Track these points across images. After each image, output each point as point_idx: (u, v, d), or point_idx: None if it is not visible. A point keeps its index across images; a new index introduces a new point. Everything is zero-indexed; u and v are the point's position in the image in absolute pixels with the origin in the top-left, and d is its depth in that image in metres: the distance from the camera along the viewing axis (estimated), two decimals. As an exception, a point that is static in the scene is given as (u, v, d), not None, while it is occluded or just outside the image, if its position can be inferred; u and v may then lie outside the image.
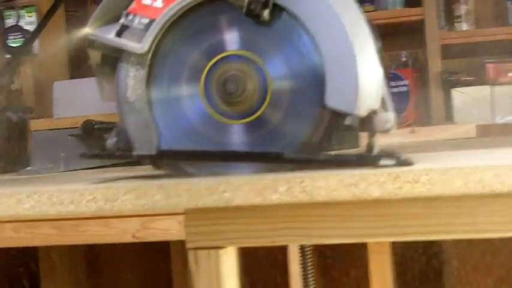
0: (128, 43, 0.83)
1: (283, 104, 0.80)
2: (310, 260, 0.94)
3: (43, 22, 2.03)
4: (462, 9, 2.24)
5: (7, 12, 2.23)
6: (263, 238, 0.79)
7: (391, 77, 2.28)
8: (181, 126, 0.84)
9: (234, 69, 0.81)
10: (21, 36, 2.18)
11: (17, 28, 2.20)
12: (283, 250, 1.53)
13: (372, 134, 0.75)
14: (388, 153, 0.69)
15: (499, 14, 2.29)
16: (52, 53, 2.29)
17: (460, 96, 2.14)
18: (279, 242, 0.79)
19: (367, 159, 0.70)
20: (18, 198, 0.67)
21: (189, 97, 0.83)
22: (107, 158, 0.91)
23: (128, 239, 1.58)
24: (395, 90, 2.27)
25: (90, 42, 0.86)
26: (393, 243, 1.72)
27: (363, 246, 1.60)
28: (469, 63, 2.32)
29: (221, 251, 0.79)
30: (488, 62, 2.14)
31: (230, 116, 0.83)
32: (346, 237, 0.77)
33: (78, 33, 2.40)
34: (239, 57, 0.82)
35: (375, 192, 0.60)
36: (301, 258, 0.96)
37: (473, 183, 0.59)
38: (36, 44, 2.22)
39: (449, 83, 2.17)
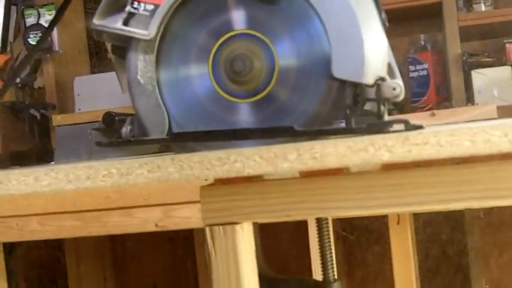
0: (135, 30, 0.84)
1: (291, 81, 0.81)
2: (327, 233, 0.95)
3: (58, 16, 2.06)
4: (480, -10, 2.22)
5: (27, 11, 2.26)
6: (278, 212, 0.80)
7: (410, 61, 2.27)
8: (190, 106, 0.85)
9: (242, 48, 0.82)
10: (41, 34, 2.21)
11: (37, 26, 2.23)
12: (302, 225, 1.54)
13: (381, 101, 0.76)
14: (398, 119, 0.69)
15: (518, -6, 2.27)
16: (73, 50, 2.32)
17: (481, 77, 2.13)
18: (294, 216, 0.80)
19: (378, 126, 0.71)
20: (36, 176, 0.69)
21: (198, 77, 0.85)
22: (122, 145, 0.93)
23: (150, 228, 1.60)
24: (415, 74, 2.25)
25: (98, 34, 0.87)
26: (414, 218, 1.72)
27: (384, 224, 1.60)
28: (488, 45, 2.30)
29: (237, 227, 0.80)
30: (507, 43, 2.11)
31: (238, 94, 0.83)
32: (362, 209, 0.78)
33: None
34: (246, 36, 0.83)
35: (384, 156, 0.60)
36: (318, 231, 0.97)
37: (481, 142, 0.59)
38: (56, 42, 2.24)
39: (469, 65, 2.16)
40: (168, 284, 2.60)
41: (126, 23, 0.84)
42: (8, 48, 2.31)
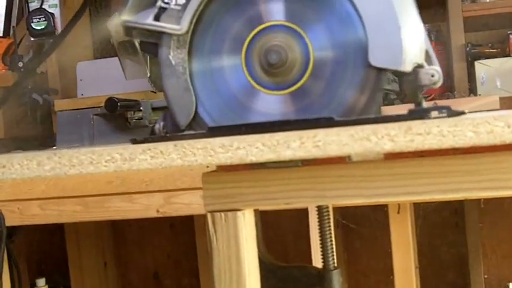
0: (166, 25, 0.83)
1: (326, 72, 0.80)
2: (327, 220, 0.95)
3: (73, 21, 2.06)
4: (485, -20, 2.20)
5: (31, -4, 2.26)
6: (279, 200, 0.80)
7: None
8: (223, 97, 0.85)
9: (276, 39, 0.82)
10: (44, 19, 2.21)
11: (40, 11, 2.22)
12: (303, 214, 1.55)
13: (419, 88, 0.75)
14: (439, 106, 0.69)
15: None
16: (76, 35, 2.32)
17: (484, 68, 2.12)
18: (294, 203, 0.80)
19: (419, 113, 0.70)
20: (39, 160, 0.69)
21: (231, 69, 0.84)
22: (158, 142, 0.93)
23: (152, 214, 1.61)
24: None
25: (128, 30, 0.86)
26: (415, 208, 1.72)
27: (385, 213, 1.60)
28: (492, 35, 2.29)
29: (239, 213, 0.81)
30: (511, 34, 2.11)
31: (271, 86, 0.83)
32: (362, 198, 0.78)
33: (101, 15, 2.42)
34: (280, 27, 0.82)
35: (387, 145, 0.61)
36: (318, 219, 0.97)
37: (484, 133, 0.59)
38: (59, 27, 2.24)
39: (472, 55, 2.15)
40: (169, 271, 2.62)
41: (157, 18, 0.84)
42: (11, 33, 2.31)
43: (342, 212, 2.36)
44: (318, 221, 0.97)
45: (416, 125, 0.60)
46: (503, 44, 2.17)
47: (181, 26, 0.83)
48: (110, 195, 1.61)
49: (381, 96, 0.80)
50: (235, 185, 0.81)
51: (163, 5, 0.83)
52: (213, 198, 0.83)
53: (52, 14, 2.24)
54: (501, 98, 1.95)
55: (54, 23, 2.23)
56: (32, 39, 2.23)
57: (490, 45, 2.21)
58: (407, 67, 0.76)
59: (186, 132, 0.84)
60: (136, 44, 1.90)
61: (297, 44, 0.81)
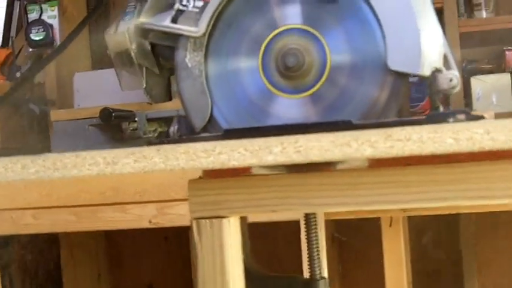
0: (184, 27, 0.84)
1: (343, 76, 0.80)
2: (314, 230, 0.95)
3: (73, 34, 2.08)
4: (482, -3, 2.22)
5: (30, 7, 2.27)
6: (265, 207, 0.80)
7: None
8: (238, 100, 0.84)
9: (293, 42, 0.81)
10: (43, 30, 2.22)
11: (39, 22, 2.24)
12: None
13: (438, 93, 0.75)
14: (458, 110, 0.69)
15: (519, 2, 2.27)
16: (74, 46, 2.33)
17: (480, 84, 2.13)
18: (280, 210, 0.80)
19: (438, 117, 0.70)
20: (23, 164, 0.69)
21: (247, 71, 0.84)
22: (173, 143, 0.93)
23: (144, 224, 1.61)
24: (414, 79, 2.25)
25: (144, 32, 0.87)
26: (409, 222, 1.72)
27: (378, 227, 1.60)
28: (488, 51, 2.30)
29: (224, 221, 0.81)
30: (507, 50, 2.12)
31: (288, 90, 0.83)
32: (347, 205, 0.78)
33: (99, 26, 2.43)
34: (298, 31, 0.82)
35: (367, 151, 0.61)
36: (305, 228, 0.97)
37: (464, 140, 0.59)
38: (58, 37, 2.25)
39: (468, 71, 2.16)
40: (164, 283, 2.61)
41: (174, 20, 0.84)
42: (10, 43, 2.32)
43: (336, 225, 2.36)
44: (305, 230, 0.97)
45: (397, 131, 0.60)
46: (499, 60, 2.18)
47: (198, 29, 0.83)
48: (102, 205, 1.61)
49: (400, 100, 0.79)
50: (221, 192, 0.81)
51: (181, 7, 0.84)
52: (199, 205, 0.83)
53: (51, 25, 2.25)
54: (497, 114, 1.96)
55: (52, 34, 2.24)
56: (31, 49, 2.24)
57: (486, 61, 2.22)
58: (426, 71, 0.76)
59: (201, 135, 0.84)
60: (133, 55, 1.90)
61: (314, 47, 0.81)
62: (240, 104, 0.84)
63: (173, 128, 0.88)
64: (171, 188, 1.57)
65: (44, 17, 2.27)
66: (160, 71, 1.94)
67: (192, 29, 0.83)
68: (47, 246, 2.46)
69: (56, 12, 2.28)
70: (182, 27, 0.84)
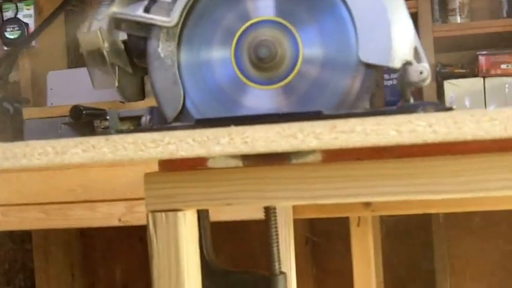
0: (157, 17, 0.84)
1: (315, 68, 0.81)
2: (274, 224, 0.95)
3: (46, 22, 2.07)
4: (457, 2, 2.24)
5: (6, 5, 2.27)
6: (221, 200, 0.81)
7: (384, 70, 2.29)
8: (210, 90, 0.84)
9: (266, 34, 0.82)
10: (18, 28, 2.22)
11: (14, 21, 2.23)
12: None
13: (408, 85, 0.76)
14: (427, 102, 0.70)
15: (493, 7, 2.30)
16: (50, 45, 2.33)
17: (453, 88, 2.15)
18: (235, 203, 0.81)
19: (407, 109, 0.71)
20: (-27, 152, 0.69)
21: (219, 62, 0.84)
22: (144, 132, 0.93)
23: (114, 223, 1.60)
24: (389, 83, 2.27)
25: (117, 22, 0.86)
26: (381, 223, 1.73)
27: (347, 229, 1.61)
28: (462, 56, 2.32)
29: (179, 214, 0.81)
30: (480, 54, 2.14)
31: (260, 81, 0.83)
32: (301, 199, 0.79)
33: (76, 25, 2.43)
34: (271, 23, 0.82)
35: (312, 143, 0.61)
36: (265, 222, 0.97)
37: (407, 132, 0.60)
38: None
39: (442, 75, 2.18)
40: (139, 284, 2.60)
41: (147, 10, 0.84)
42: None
43: (310, 226, 2.36)
44: (265, 224, 0.97)
45: (341, 123, 0.61)
46: (473, 64, 2.19)
47: (171, 18, 0.83)
48: (72, 203, 1.60)
49: (371, 92, 0.80)
50: (176, 185, 0.82)
51: None
52: (155, 198, 0.83)
53: (26, 24, 2.25)
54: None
55: (28, 33, 2.23)
56: (6, 48, 2.23)
57: (459, 65, 2.24)
58: (397, 64, 0.77)
59: (173, 124, 0.83)
60: (105, 54, 1.90)
61: (287, 39, 0.81)
62: (212, 94, 0.84)
63: (145, 118, 0.88)
64: (139, 186, 1.56)
65: (20, 15, 2.26)
66: (133, 70, 1.94)
67: (165, 18, 0.83)
68: (20, 245, 2.45)
69: (31, 11, 2.27)
70: (155, 17, 0.84)
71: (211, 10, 0.84)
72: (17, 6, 2.27)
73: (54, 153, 0.67)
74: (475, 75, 2.16)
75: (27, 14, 2.28)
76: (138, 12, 0.84)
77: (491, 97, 2.13)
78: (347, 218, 1.68)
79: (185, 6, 0.83)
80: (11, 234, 2.38)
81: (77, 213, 1.59)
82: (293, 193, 0.77)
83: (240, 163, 0.80)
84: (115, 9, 0.87)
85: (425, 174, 0.73)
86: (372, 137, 0.60)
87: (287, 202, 0.78)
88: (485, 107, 2.12)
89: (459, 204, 1.45)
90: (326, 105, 0.79)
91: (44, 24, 1.98)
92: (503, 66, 2.14)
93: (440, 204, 1.42)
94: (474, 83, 2.15)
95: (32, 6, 2.29)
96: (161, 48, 0.85)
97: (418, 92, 2.23)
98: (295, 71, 0.82)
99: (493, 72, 2.14)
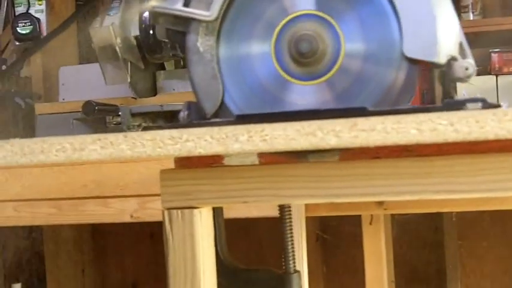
0: (196, 11, 0.83)
1: (358, 63, 0.79)
2: (289, 222, 0.95)
3: (60, 28, 2.07)
4: (469, -1, 2.23)
5: (17, 0, 2.27)
6: (236, 198, 0.81)
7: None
8: (248, 83, 0.83)
9: (307, 29, 0.80)
10: (30, 23, 2.22)
11: (26, 16, 2.23)
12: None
13: (452, 81, 0.75)
14: (474, 98, 0.69)
15: (506, 4, 2.28)
16: (61, 40, 2.33)
17: (465, 85, 2.13)
18: (251, 201, 0.80)
19: (454, 105, 0.70)
20: (-9, 148, 0.69)
21: (259, 55, 0.83)
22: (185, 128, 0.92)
23: (126, 219, 1.60)
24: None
25: (155, 16, 0.86)
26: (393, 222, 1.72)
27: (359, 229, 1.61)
28: (474, 53, 2.30)
29: (195, 211, 0.81)
30: (493, 52, 2.12)
31: (300, 76, 0.82)
32: (316, 198, 0.79)
33: (87, 21, 2.43)
34: (312, 17, 0.81)
35: (332, 141, 0.61)
36: (280, 220, 0.97)
37: (428, 131, 0.60)
38: (45, 32, 2.25)
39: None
40: (149, 280, 2.60)
41: (186, 4, 0.83)
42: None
43: (321, 224, 2.36)
44: (279, 222, 0.97)
45: (361, 121, 0.60)
46: (485, 62, 2.18)
47: (211, 13, 0.82)
48: (84, 198, 1.60)
49: (414, 88, 0.79)
50: (192, 183, 0.81)
51: None
52: (170, 195, 0.83)
53: (38, 19, 2.24)
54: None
55: (39, 28, 2.23)
56: (17, 43, 2.24)
57: (472, 63, 2.22)
58: (442, 59, 0.75)
59: (213, 120, 0.82)
60: (117, 49, 1.89)
61: (328, 33, 0.80)
62: (252, 89, 0.83)
63: (183, 114, 0.87)
64: (152, 183, 1.56)
65: (32, 11, 2.26)
66: (145, 66, 1.94)
67: (205, 13, 0.82)
68: (31, 241, 2.46)
69: (43, 6, 2.27)
70: (194, 11, 0.82)
71: (250, 4, 0.83)
72: (28, 2, 2.26)
73: (72, 149, 0.67)
74: (488, 73, 2.15)
75: (38, 10, 2.28)
76: (178, 6, 0.83)
77: (503, 95, 2.11)
78: (358, 216, 1.67)
79: (224, 0, 0.82)
80: (22, 229, 2.39)
81: (89, 208, 1.59)
82: (309, 191, 0.77)
83: (256, 161, 0.80)
84: (154, 3, 0.86)
85: (442, 174, 0.73)
86: (393, 136, 0.60)
87: (303, 200, 0.78)
88: (498, 105, 2.11)
89: (473, 203, 1.44)
90: (368, 101, 0.78)
91: (59, 28, 1.98)
92: (516, 64, 2.13)
93: (454, 203, 1.41)
94: (486, 81, 2.14)
95: (43, 2, 2.29)
96: (200, 43, 0.84)
97: (431, 91, 2.22)
98: (337, 66, 0.80)
99: (505, 70, 2.12)
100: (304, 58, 0.80)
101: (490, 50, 2.13)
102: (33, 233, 2.41)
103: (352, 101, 0.79)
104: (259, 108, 0.82)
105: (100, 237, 2.59)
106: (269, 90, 0.83)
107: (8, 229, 2.27)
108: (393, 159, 0.74)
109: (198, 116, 0.84)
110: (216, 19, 0.82)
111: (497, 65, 2.11)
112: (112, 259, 2.61)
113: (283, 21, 0.82)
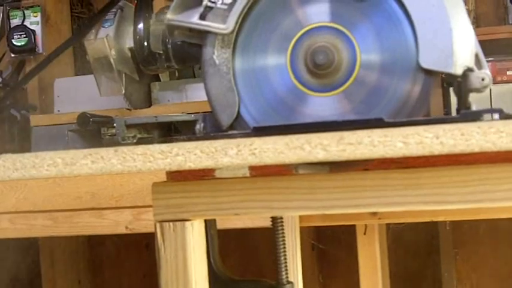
0: (212, 24, 0.84)
1: (373, 75, 0.80)
2: (281, 233, 0.95)
3: (62, 47, 2.07)
4: (462, 9, 2.24)
5: (13, 12, 2.28)
6: (228, 210, 0.81)
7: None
8: (264, 95, 0.84)
9: (323, 40, 0.81)
10: (25, 35, 2.23)
11: (21, 28, 2.24)
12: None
13: (468, 92, 0.76)
14: (491, 109, 0.69)
15: (500, 13, 2.30)
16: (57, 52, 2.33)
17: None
18: (242, 213, 0.81)
19: (470, 116, 0.70)
20: (-17, 164, 0.70)
21: (275, 68, 0.83)
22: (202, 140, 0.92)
23: (121, 230, 1.60)
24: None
25: (170, 29, 0.86)
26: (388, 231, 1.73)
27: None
28: (468, 63, 2.31)
29: (187, 223, 0.82)
30: (487, 61, 2.13)
31: (316, 88, 0.82)
32: (307, 209, 0.79)
33: (82, 32, 2.44)
34: (327, 29, 0.82)
35: (320, 154, 0.62)
36: (273, 232, 0.98)
37: (414, 144, 0.60)
38: (40, 44, 2.26)
39: (447, 81, 2.17)
40: (145, 291, 2.60)
41: (203, 17, 0.84)
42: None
43: (317, 234, 2.36)
44: (273, 233, 0.97)
45: (348, 135, 0.61)
46: (479, 71, 2.19)
47: (227, 26, 0.82)
48: (79, 210, 1.61)
49: (429, 99, 0.79)
50: (184, 195, 0.82)
51: (209, 4, 0.83)
52: (162, 208, 0.83)
53: (33, 31, 2.26)
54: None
55: (35, 40, 2.24)
56: (13, 55, 2.24)
57: (465, 72, 2.23)
58: (458, 70, 0.76)
59: (230, 132, 0.83)
60: (112, 61, 1.90)
61: (344, 45, 0.80)
62: (268, 101, 0.84)
63: (199, 126, 0.87)
64: (147, 194, 1.57)
65: (27, 23, 2.27)
66: (140, 78, 1.94)
67: (221, 25, 0.82)
68: (27, 252, 2.45)
69: (38, 18, 2.28)
70: (211, 24, 0.83)
71: (266, 17, 0.84)
72: (24, 13, 2.28)
73: (64, 164, 0.67)
74: (481, 82, 2.16)
75: (34, 21, 2.29)
76: (194, 20, 0.84)
77: (497, 104, 2.12)
78: (353, 225, 1.68)
79: (241, 13, 0.83)
80: (18, 241, 2.39)
81: (84, 220, 1.60)
82: (300, 203, 0.78)
83: (247, 173, 0.81)
84: (169, 16, 0.87)
85: (431, 185, 0.73)
86: (379, 149, 0.60)
87: (294, 212, 0.78)
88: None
89: (466, 213, 1.45)
90: (384, 112, 0.78)
91: (58, 49, 1.98)
92: (509, 72, 2.14)
93: (447, 212, 1.42)
94: (480, 90, 2.15)
95: (39, 14, 2.30)
96: (216, 55, 0.85)
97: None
98: (353, 77, 0.81)
99: (499, 78, 2.13)
100: (320, 70, 0.80)
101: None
102: (29, 245, 2.40)
103: (368, 112, 0.79)
104: (275, 120, 0.83)
105: (96, 248, 2.59)
106: (285, 102, 0.83)
107: (4, 241, 2.27)
108: (383, 170, 0.75)
109: (214, 128, 0.85)
110: (232, 32, 0.83)
111: (491, 74, 2.12)
112: (108, 270, 2.60)
113: (299, 34, 0.83)
